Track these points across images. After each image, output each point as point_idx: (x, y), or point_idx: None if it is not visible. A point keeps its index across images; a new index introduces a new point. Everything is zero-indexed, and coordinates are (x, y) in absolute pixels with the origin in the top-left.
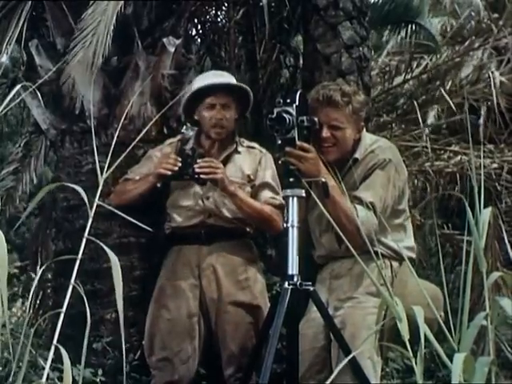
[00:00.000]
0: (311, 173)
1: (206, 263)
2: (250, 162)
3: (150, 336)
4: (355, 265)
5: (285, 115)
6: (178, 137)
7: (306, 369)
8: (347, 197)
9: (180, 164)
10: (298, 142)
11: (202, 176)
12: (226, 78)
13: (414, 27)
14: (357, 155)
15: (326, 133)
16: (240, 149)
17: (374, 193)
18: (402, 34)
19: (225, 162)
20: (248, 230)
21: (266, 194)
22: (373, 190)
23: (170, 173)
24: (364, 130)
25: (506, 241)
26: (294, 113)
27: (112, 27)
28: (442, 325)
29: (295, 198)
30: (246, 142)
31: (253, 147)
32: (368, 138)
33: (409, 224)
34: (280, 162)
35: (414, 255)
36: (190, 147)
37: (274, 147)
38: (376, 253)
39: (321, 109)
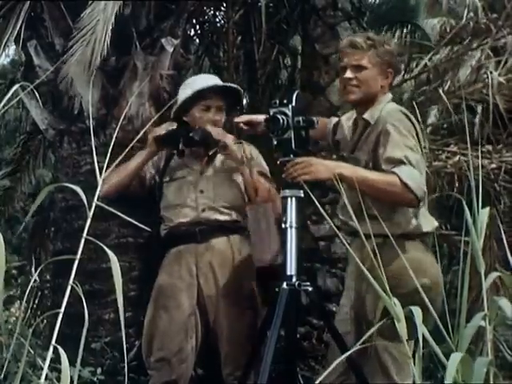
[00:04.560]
0: (319, 177)
1: (203, 261)
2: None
3: (149, 336)
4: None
5: (279, 116)
6: None
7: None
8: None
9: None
10: (288, 163)
11: (206, 128)
12: (219, 81)
13: (410, 27)
14: (367, 116)
15: (349, 73)
16: None
17: (401, 149)
18: (398, 33)
19: (212, 159)
20: (242, 223)
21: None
22: (399, 147)
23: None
24: (389, 94)
25: (505, 241)
26: (289, 113)
27: (111, 26)
28: (439, 323)
29: (293, 199)
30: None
31: (240, 142)
32: (387, 104)
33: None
34: (278, 162)
35: (429, 229)
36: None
37: (272, 147)
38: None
39: (345, 53)
